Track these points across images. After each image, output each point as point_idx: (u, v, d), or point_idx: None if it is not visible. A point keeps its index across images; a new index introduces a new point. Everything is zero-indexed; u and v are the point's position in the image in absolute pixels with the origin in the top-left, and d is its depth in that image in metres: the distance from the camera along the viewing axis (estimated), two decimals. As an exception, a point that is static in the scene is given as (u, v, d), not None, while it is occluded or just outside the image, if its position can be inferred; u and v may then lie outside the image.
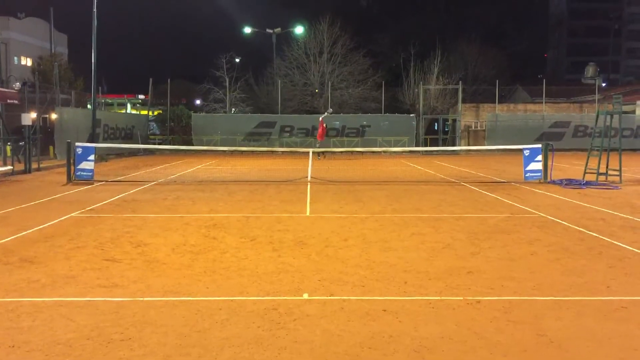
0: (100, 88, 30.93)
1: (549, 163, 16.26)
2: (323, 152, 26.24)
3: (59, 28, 59.36)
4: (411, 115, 36.57)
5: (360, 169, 22.04)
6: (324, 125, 27.82)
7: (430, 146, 36.11)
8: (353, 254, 7.45)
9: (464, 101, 37.37)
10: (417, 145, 34.39)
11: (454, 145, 35.81)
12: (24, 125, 19.46)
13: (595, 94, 37.76)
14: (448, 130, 41.07)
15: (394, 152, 30.97)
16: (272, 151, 29.80)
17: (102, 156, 24.69)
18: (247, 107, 40.33)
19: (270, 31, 42.29)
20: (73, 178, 15.93)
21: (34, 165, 19.51)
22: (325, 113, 28.98)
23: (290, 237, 8.55)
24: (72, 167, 16.01)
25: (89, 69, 25.57)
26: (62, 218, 10.04)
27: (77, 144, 16.50)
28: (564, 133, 35.64)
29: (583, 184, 15.28)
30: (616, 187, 14.98)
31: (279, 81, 37.68)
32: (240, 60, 45.16)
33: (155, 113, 39.97)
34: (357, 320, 4.96)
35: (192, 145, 32.01)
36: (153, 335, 4.59)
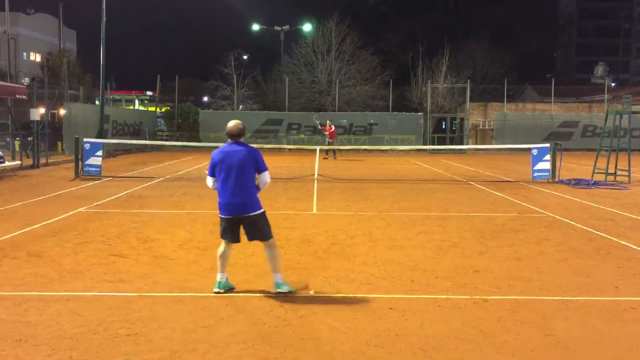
0: (108, 84, 30.96)
1: (557, 163, 16.18)
2: (329, 151, 25.92)
3: (68, 24, 59.62)
4: (419, 113, 36.46)
5: (367, 167, 22.01)
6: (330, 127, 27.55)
7: (437, 145, 36.00)
8: (360, 251, 7.44)
9: (472, 100, 37.19)
10: (424, 144, 34.26)
11: (461, 144, 35.67)
12: (33, 121, 19.57)
13: (604, 93, 37.53)
14: (456, 129, 40.94)
15: (401, 150, 30.90)
16: (279, 148, 29.79)
17: (110, 152, 24.77)
18: (255, 104, 40.36)
19: (279, 28, 42.24)
20: (81, 174, 15.99)
21: (42, 161, 19.61)
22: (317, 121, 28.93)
23: (297, 234, 8.55)
24: (80, 163, 16.07)
25: (97, 65, 25.65)
26: (70, 213, 10.08)
27: (85, 139, 16.57)
28: (573, 133, 35.45)
29: (591, 184, 15.19)
30: (625, 187, 14.89)
31: (287, 79, 37.67)
32: (248, 57, 45.29)
33: (163, 110, 40.07)
34: (364, 318, 4.95)
35: (200, 142, 32.04)
36: (159, 330, 4.59)
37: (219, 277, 5.60)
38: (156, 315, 4.95)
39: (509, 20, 74.16)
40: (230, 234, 5.59)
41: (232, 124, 5.64)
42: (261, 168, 5.56)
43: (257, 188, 5.64)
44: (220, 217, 5.60)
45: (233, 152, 5.52)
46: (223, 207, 5.53)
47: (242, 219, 5.51)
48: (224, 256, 5.61)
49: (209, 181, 5.70)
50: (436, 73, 40.10)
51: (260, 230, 5.55)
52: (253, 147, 5.63)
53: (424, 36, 48.26)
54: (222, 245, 5.65)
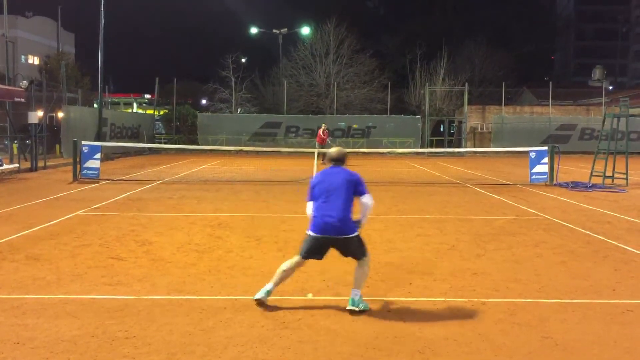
0: (106, 87, 30.98)
1: (555, 165, 16.21)
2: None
3: (67, 27, 59.65)
4: (417, 116, 36.52)
5: (365, 170, 22.02)
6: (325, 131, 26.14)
7: (435, 148, 36.04)
8: (358, 254, 7.43)
9: (470, 103, 37.28)
10: (422, 147, 34.32)
11: (459, 147, 35.73)
12: (31, 124, 19.55)
13: (602, 96, 37.60)
14: (454, 132, 41.01)
15: (400, 153, 30.92)
16: (278, 151, 29.80)
17: (108, 155, 24.76)
18: (253, 107, 40.37)
19: (277, 32, 42.33)
20: (79, 176, 15.98)
21: (40, 164, 19.58)
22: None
23: (296, 237, 8.53)
24: (78, 166, 16.06)
25: (95, 68, 25.71)
26: (68, 216, 10.07)
27: (84, 142, 16.56)
28: (571, 135, 35.49)
29: (589, 187, 15.22)
30: (622, 190, 14.92)
31: (285, 81, 37.71)
32: (246, 60, 45.28)
33: (162, 112, 40.06)
34: (362, 320, 4.96)
35: (198, 144, 32.05)
36: (157, 333, 4.59)
37: (268, 286, 5.27)
38: (154, 318, 4.95)
39: (507, 23, 74.35)
40: (316, 253, 5.32)
41: (334, 149, 5.67)
42: (361, 191, 5.38)
43: (362, 213, 5.43)
44: (309, 236, 5.29)
45: (333, 173, 5.45)
46: (317, 226, 5.24)
47: (335, 240, 5.22)
48: (286, 273, 5.32)
49: (308, 206, 5.49)
50: (434, 76, 40.20)
51: (353, 252, 5.32)
52: (354, 171, 5.51)
53: (422, 39, 48.40)
54: (292, 262, 5.33)
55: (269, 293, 5.25)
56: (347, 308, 5.17)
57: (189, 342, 4.41)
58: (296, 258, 5.34)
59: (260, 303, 5.22)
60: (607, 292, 5.91)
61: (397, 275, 6.41)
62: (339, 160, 5.56)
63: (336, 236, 5.20)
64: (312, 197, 5.46)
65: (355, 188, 5.38)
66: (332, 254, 7.43)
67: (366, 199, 5.39)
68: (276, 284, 5.30)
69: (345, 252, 5.35)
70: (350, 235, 5.24)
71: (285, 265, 5.34)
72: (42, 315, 4.98)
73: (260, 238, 8.42)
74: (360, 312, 5.13)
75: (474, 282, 6.18)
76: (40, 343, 4.36)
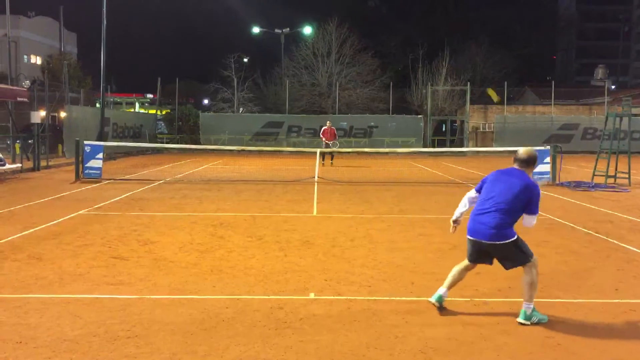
0: (109, 87, 30.96)
1: (558, 165, 16.19)
2: (329, 153, 23.85)
3: (69, 27, 59.73)
4: (419, 116, 36.50)
5: (367, 169, 22.01)
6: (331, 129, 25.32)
7: (437, 147, 36.01)
8: (360, 254, 7.44)
9: (472, 102, 37.24)
10: (424, 147, 34.29)
11: (461, 146, 35.70)
12: (33, 123, 19.59)
13: (604, 96, 37.56)
14: (456, 132, 40.97)
15: (402, 153, 30.87)
16: (280, 151, 29.78)
17: (111, 155, 24.78)
18: (255, 107, 40.38)
19: (279, 31, 42.35)
20: (81, 176, 16.00)
21: (43, 163, 19.61)
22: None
23: (297, 236, 8.55)
24: (81, 166, 16.08)
25: (98, 68, 25.68)
26: (70, 216, 10.08)
27: (86, 142, 16.56)
28: (573, 135, 35.45)
29: (591, 187, 15.20)
30: (625, 189, 14.89)
31: (287, 81, 37.71)
32: (248, 60, 45.30)
33: (164, 112, 40.07)
34: (364, 320, 4.95)
35: (200, 144, 32.04)
36: (159, 333, 4.59)
37: (440, 290, 5.20)
38: (156, 317, 4.95)
39: (508, 23, 74.14)
40: (478, 257, 5.12)
41: (524, 148, 5.11)
42: (532, 209, 4.83)
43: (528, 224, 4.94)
44: (467, 238, 5.15)
45: (510, 176, 4.94)
46: (469, 228, 5.07)
47: (486, 245, 4.93)
48: (456, 274, 5.24)
49: (468, 193, 5.33)
50: (436, 76, 40.14)
51: (511, 259, 4.93)
52: (534, 183, 4.92)
53: (424, 39, 48.34)
54: (460, 265, 5.28)
55: (440, 298, 5.17)
56: (518, 320, 4.87)
57: (191, 342, 4.42)
58: (465, 262, 5.25)
59: (434, 304, 5.18)
60: (609, 291, 5.90)
61: (399, 275, 6.41)
62: (525, 162, 4.98)
63: (487, 241, 4.90)
64: (478, 188, 5.22)
65: (527, 205, 4.84)
66: (335, 254, 7.45)
67: (531, 219, 4.90)
68: (448, 286, 5.23)
69: (501, 260, 5.00)
70: (501, 242, 4.83)
71: (456, 267, 5.30)
72: (45, 314, 4.98)
73: (262, 238, 8.42)
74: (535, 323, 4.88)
75: (476, 281, 6.17)
76: (43, 342, 4.37)
